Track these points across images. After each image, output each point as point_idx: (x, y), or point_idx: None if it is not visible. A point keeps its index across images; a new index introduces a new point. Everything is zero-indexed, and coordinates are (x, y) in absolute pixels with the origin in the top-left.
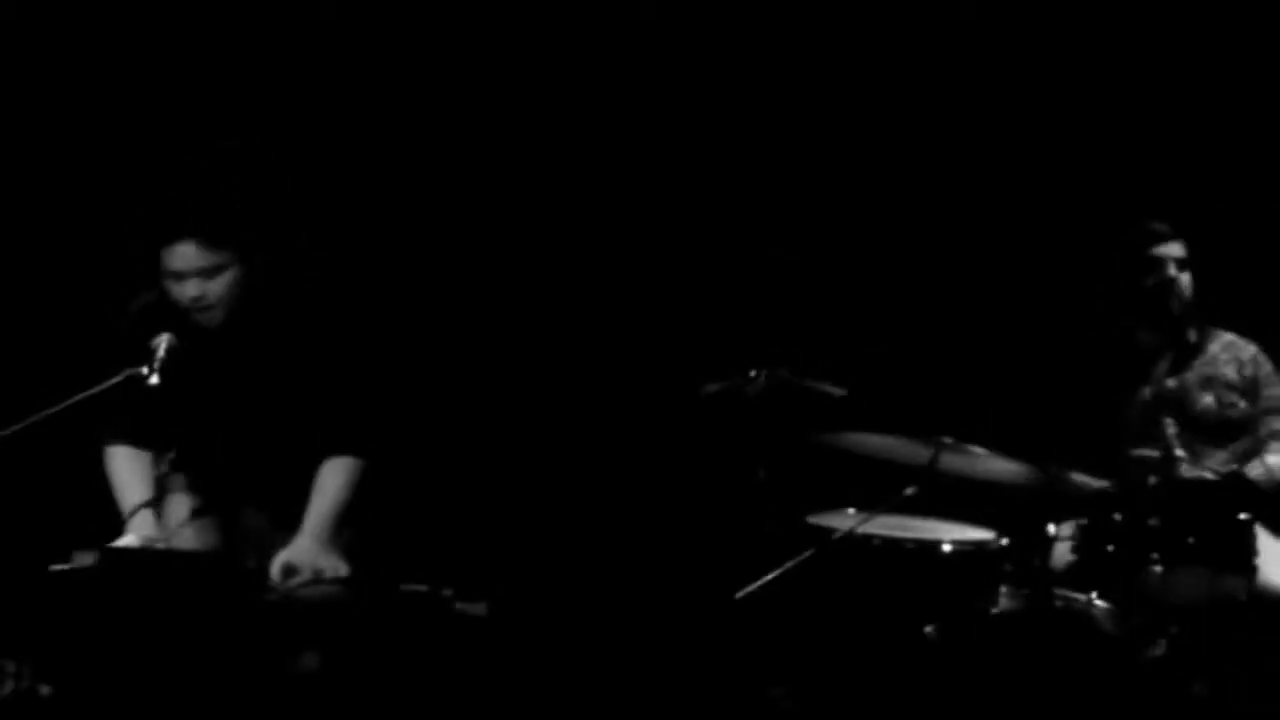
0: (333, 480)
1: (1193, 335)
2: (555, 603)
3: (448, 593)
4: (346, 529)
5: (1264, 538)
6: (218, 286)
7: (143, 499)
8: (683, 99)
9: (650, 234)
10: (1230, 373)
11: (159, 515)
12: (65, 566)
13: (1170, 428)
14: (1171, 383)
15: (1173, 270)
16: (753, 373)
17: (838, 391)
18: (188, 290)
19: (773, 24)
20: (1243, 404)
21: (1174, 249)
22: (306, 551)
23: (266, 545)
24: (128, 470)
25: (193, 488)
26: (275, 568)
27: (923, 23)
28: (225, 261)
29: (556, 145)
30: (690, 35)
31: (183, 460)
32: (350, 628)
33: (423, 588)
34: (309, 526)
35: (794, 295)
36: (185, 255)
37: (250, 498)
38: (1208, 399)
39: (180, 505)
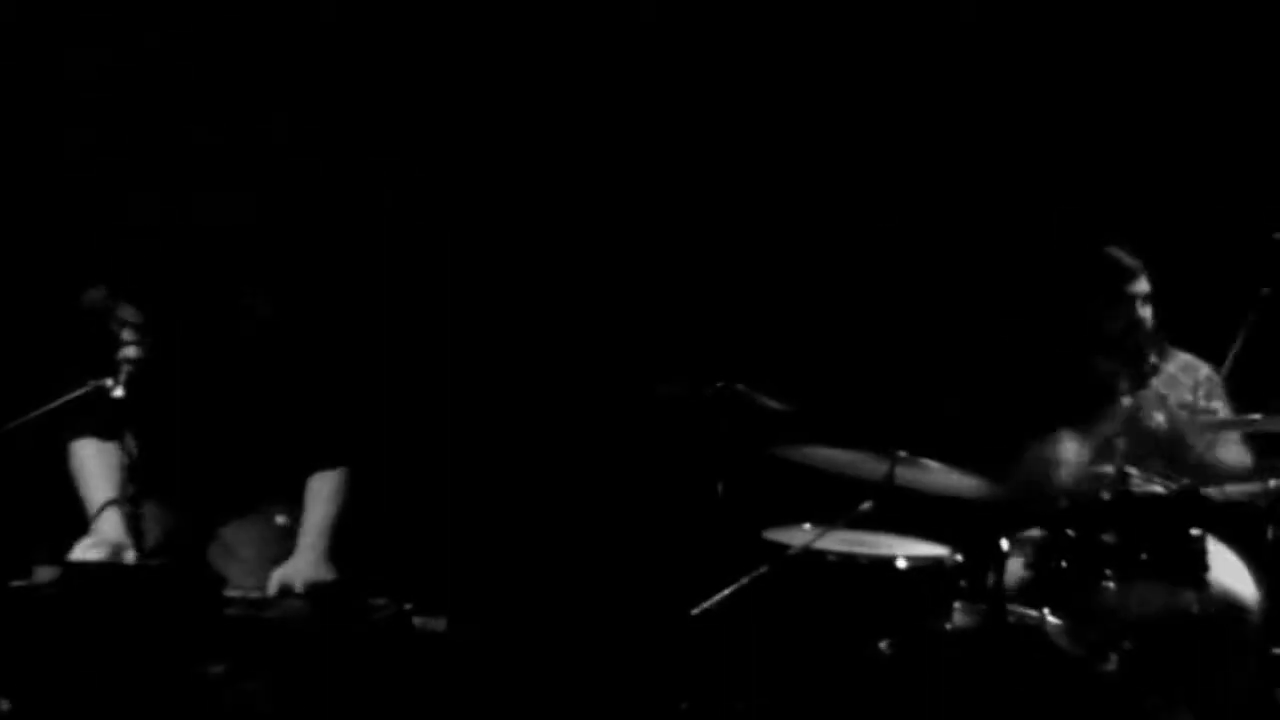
0: (322, 495)
1: (1152, 359)
2: (515, 618)
3: (408, 607)
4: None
5: (1214, 546)
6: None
7: (109, 496)
8: (649, 109)
9: (614, 247)
10: (1185, 394)
11: (128, 521)
12: (25, 583)
13: (1122, 445)
14: (1127, 400)
15: (1139, 310)
16: (717, 385)
17: (785, 408)
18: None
19: (721, 63)
20: (1195, 422)
21: (1141, 285)
22: (303, 567)
23: (248, 558)
24: (94, 466)
25: (162, 504)
26: (271, 584)
27: (865, 76)
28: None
29: (518, 153)
30: (644, 57)
31: (151, 473)
32: (311, 642)
33: (383, 602)
34: (306, 541)
35: (753, 308)
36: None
37: (220, 511)
38: (1160, 417)
39: (154, 524)
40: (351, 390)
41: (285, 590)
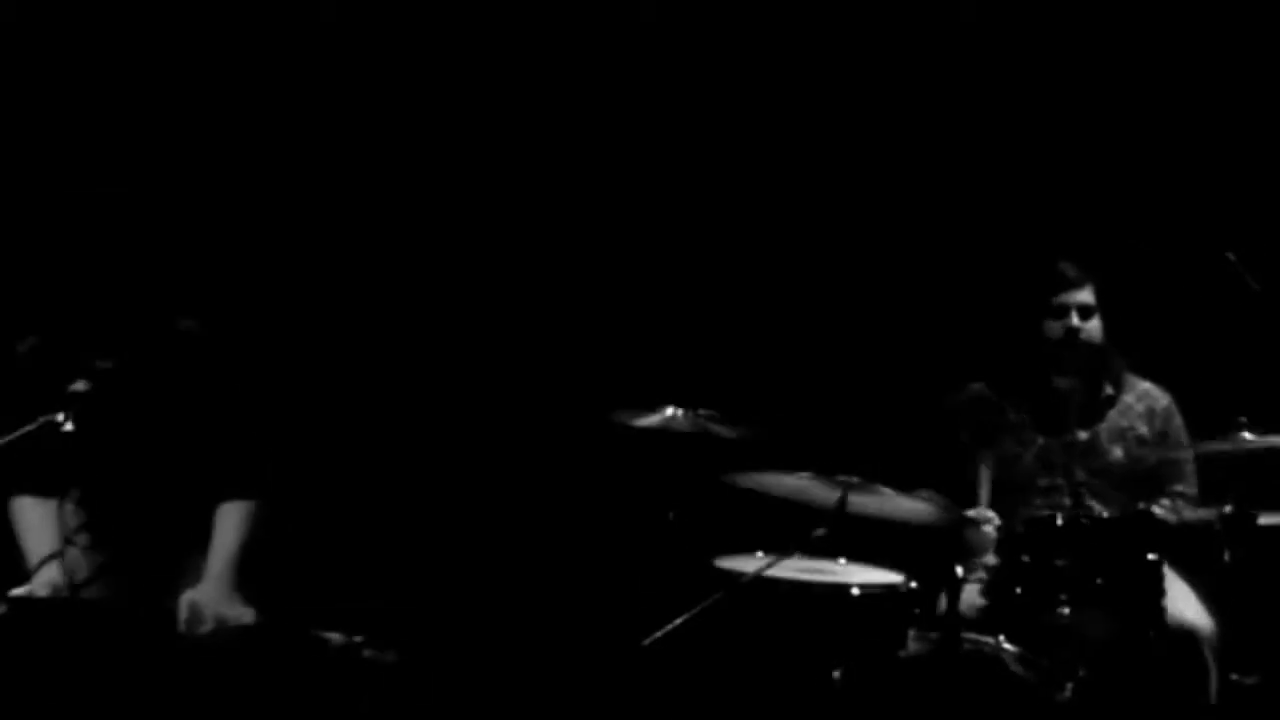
0: (228, 524)
1: (1108, 388)
2: (466, 649)
3: (358, 640)
4: (252, 578)
5: (1170, 576)
6: None
7: (50, 550)
8: (603, 135)
9: (564, 273)
10: (1142, 425)
11: (64, 567)
12: None
13: (1080, 477)
14: (1084, 434)
15: (1075, 319)
16: (670, 411)
17: (737, 435)
18: None
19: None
20: (1152, 457)
21: (1079, 295)
22: (210, 595)
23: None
24: (33, 520)
25: (95, 538)
26: (181, 610)
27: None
28: None
29: (459, 173)
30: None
31: (85, 509)
32: (262, 675)
33: (333, 635)
34: (212, 569)
35: (705, 336)
36: None
37: (154, 544)
38: (1118, 451)
39: (83, 559)
40: (264, 418)
41: (195, 618)
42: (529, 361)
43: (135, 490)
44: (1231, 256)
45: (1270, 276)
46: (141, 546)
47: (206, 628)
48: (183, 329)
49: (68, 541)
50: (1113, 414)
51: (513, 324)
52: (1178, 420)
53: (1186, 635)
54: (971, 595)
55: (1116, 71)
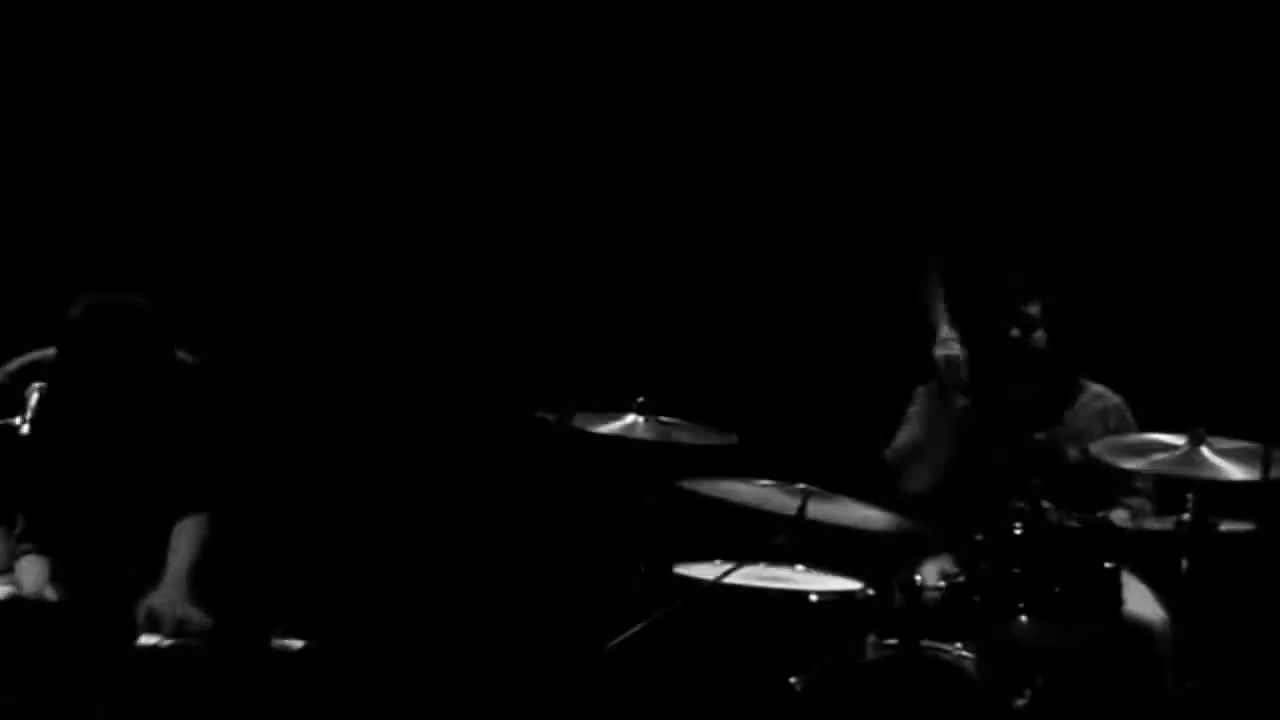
0: (186, 537)
1: (1061, 392)
2: (426, 655)
3: (315, 645)
4: (210, 586)
5: (1127, 579)
6: None
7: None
8: (543, 133)
9: (521, 275)
10: (1097, 425)
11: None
12: None
13: (1037, 480)
14: (1040, 436)
15: (1018, 331)
16: (630, 418)
17: (697, 442)
18: None
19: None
20: (1110, 457)
21: (1023, 307)
22: (169, 599)
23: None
24: None
25: (45, 549)
26: (140, 615)
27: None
28: None
29: (399, 179)
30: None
31: (38, 520)
32: (218, 680)
33: (291, 641)
34: (171, 575)
35: (666, 343)
36: None
37: (106, 552)
38: (1074, 453)
39: (34, 567)
40: (220, 434)
41: (154, 623)
42: (490, 366)
43: (88, 498)
44: (1189, 267)
45: (1232, 286)
46: (92, 554)
47: (166, 632)
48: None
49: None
50: (1068, 416)
51: (471, 329)
52: (1130, 418)
53: (1141, 631)
54: (930, 602)
55: (1068, 81)
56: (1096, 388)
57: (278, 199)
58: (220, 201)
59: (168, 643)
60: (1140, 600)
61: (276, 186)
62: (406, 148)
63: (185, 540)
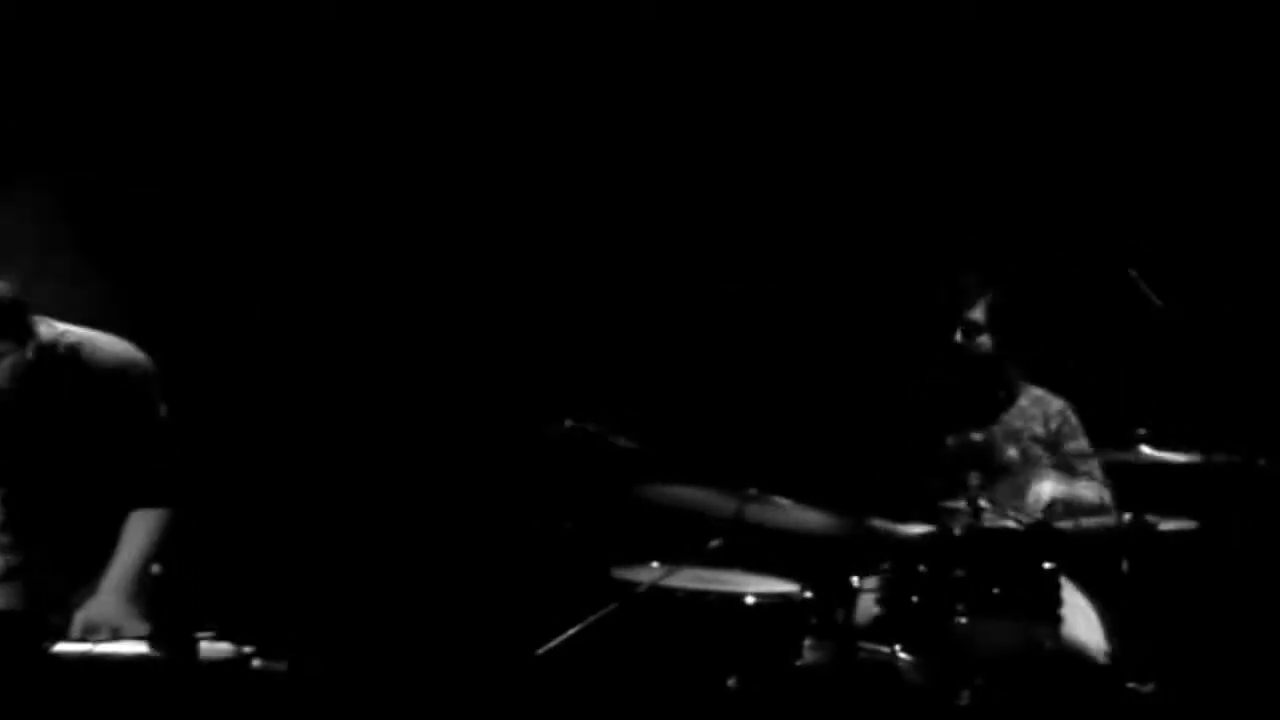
0: (135, 533)
1: (1000, 393)
2: (360, 658)
3: (248, 650)
4: (147, 588)
5: (1068, 590)
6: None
7: None
8: (482, 138)
9: (461, 281)
10: (1036, 427)
11: None
12: None
13: (974, 479)
14: (978, 436)
15: (960, 336)
16: (567, 422)
17: (634, 446)
18: None
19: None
20: (1047, 458)
21: (968, 312)
22: (107, 608)
23: (66, 603)
24: None
25: (13, 539)
26: (75, 625)
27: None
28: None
29: (349, 178)
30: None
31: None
32: (149, 687)
33: (225, 646)
34: (111, 581)
35: (602, 346)
36: None
37: (47, 554)
38: (1012, 452)
39: None
40: (172, 428)
41: (89, 630)
42: (428, 370)
43: (49, 493)
44: (1134, 273)
45: (1172, 293)
46: (54, 550)
47: (101, 639)
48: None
49: None
50: (1006, 416)
51: (412, 334)
52: (1073, 420)
53: (1079, 655)
54: (867, 605)
55: (1017, 88)
56: (1037, 390)
57: (249, 196)
58: (194, 199)
59: (99, 649)
60: (1082, 623)
61: (249, 184)
62: (368, 145)
63: (135, 538)
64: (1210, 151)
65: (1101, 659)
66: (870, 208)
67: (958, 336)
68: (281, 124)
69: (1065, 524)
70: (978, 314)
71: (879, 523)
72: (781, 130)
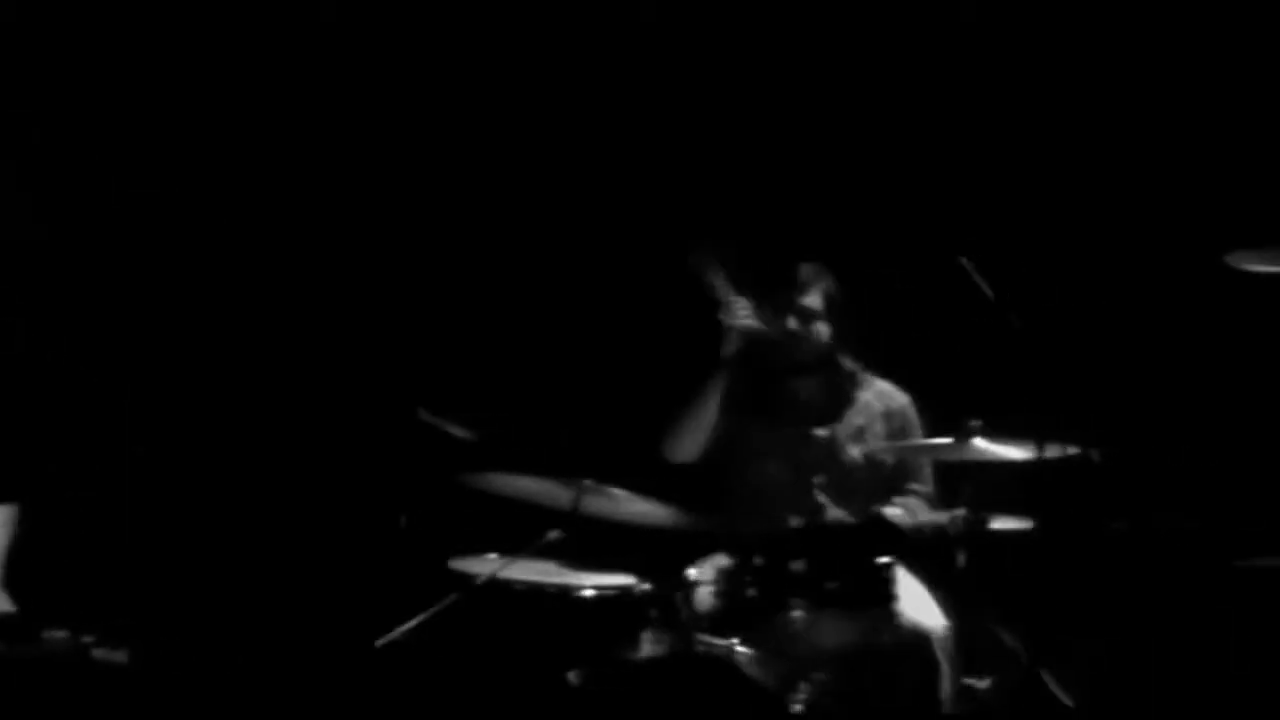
0: None
1: (837, 381)
2: (200, 650)
3: (87, 639)
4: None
5: (905, 578)
6: None
7: None
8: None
9: (301, 269)
10: (879, 424)
11: None
12: None
13: (818, 477)
14: (822, 432)
15: (795, 323)
16: (407, 412)
17: (471, 436)
18: None
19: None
20: (891, 456)
21: (803, 299)
22: None
23: None
24: None
25: None
26: None
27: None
28: None
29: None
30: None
31: None
32: None
33: (61, 633)
34: None
35: (439, 336)
36: None
37: None
38: (855, 451)
39: None
40: (20, 421)
41: None
42: (268, 362)
43: None
44: (966, 263)
45: (1005, 284)
46: None
47: None
48: None
49: None
50: (849, 413)
51: (249, 324)
52: (915, 419)
53: (920, 637)
54: (705, 597)
55: (852, 82)
56: (881, 384)
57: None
58: None
59: None
60: (920, 606)
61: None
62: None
63: None
64: (1040, 143)
65: (941, 637)
66: (704, 200)
67: (792, 324)
68: None
69: (901, 518)
70: (813, 300)
71: (717, 516)
72: (600, 124)
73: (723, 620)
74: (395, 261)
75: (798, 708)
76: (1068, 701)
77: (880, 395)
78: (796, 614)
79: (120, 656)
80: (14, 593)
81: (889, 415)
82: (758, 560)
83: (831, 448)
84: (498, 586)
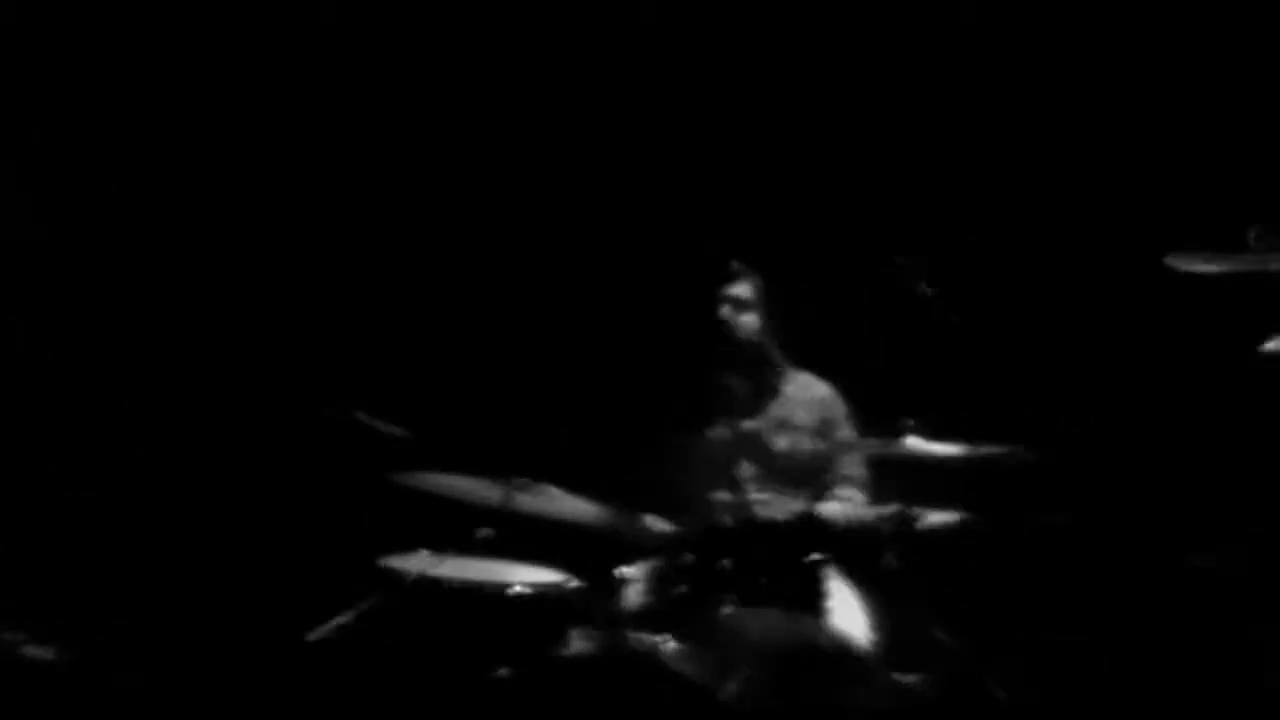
0: None
1: (767, 377)
2: (128, 646)
3: (19, 637)
4: None
5: (837, 584)
6: None
7: None
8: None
9: (236, 264)
10: (803, 414)
11: None
12: None
13: (745, 469)
14: (748, 424)
15: (725, 311)
16: (335, 409)
17: (402, 433)
18: None
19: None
20: (816, 446)
21: (733, 289)
22: None
23: None
24: None
25: None
26: None
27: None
28: None
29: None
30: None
31: None
32: None
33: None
34: None
35: (370, 333)
36: None
37: None
38: (782, 441)
39: None
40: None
41: None
42: (195, 357)
43: None
44: (902, 260)
45: (941, 282)
46: None
47: None
48: None
49: None
50: (775, 405)
51: (174, 318)
52: (841, 410)
53: (849, 635)
54: (635, 594)
55: (793, 76)
56: (804, 376)
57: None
58: None
59: None
60: (847, 614)
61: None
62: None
63: None
64: (980, 141)
65: (870, 633)
66: (637, 196)
67: (723, 314)
68: None
69: (833, 515)
70: (744, 290)
71: (645, 515)
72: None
73: (653, 616)
74: (333, 252)
75: (727, 703)
76: (1000, 698)
77: (804, 386)
78: (727, 610)
79: (49, 654)
80: None
81: (812, 405)
82: (689, 556)
83: (757, 437)
84: (427, 584)
